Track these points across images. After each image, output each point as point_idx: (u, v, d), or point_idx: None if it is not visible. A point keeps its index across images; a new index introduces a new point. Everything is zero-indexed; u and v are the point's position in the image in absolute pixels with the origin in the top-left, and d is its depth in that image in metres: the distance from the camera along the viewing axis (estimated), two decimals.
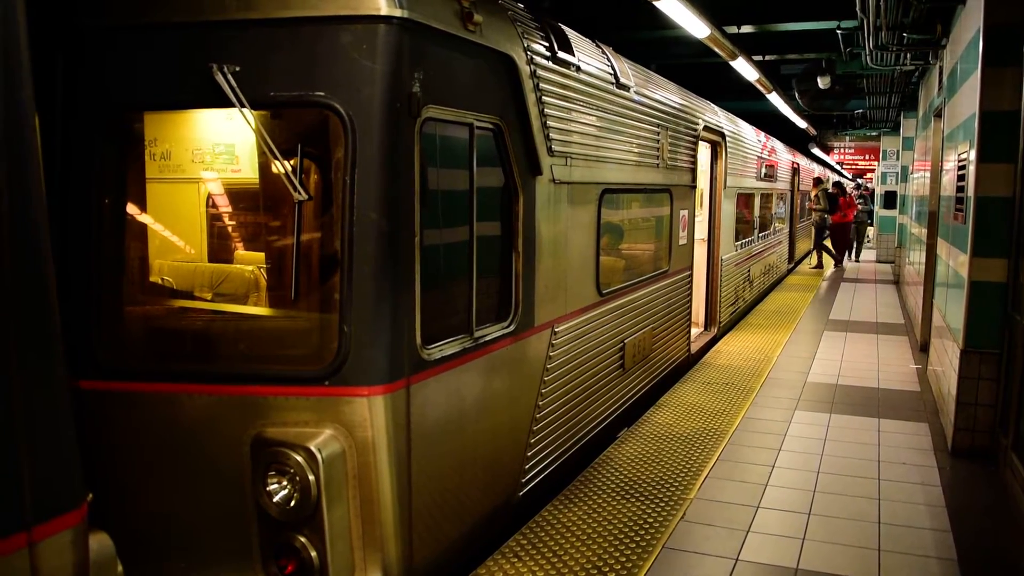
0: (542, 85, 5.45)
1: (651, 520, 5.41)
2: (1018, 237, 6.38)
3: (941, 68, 10.17)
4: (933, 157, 10.91)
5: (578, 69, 6.07)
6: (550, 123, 5.58)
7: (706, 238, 11.39)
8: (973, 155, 6.79)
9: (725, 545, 5.13)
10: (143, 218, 4.90)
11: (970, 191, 6.85)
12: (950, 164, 8.60)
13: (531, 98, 5.29)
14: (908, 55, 10.89)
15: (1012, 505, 5.88)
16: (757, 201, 14.72)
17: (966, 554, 5.09)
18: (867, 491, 6.04)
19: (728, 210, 11.86)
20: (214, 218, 5.61)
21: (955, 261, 7.67)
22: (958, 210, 7.67)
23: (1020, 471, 5.87)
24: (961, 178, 7.50)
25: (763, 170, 14.87)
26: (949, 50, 9.32)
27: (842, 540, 5.24)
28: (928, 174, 11.55)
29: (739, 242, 13.07)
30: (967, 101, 7.35)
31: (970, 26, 7.34)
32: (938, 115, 10.47)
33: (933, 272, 10.21)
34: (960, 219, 7.39)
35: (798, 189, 21.39)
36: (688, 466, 6.42)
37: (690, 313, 9.99)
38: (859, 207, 24.05)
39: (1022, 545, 5.31)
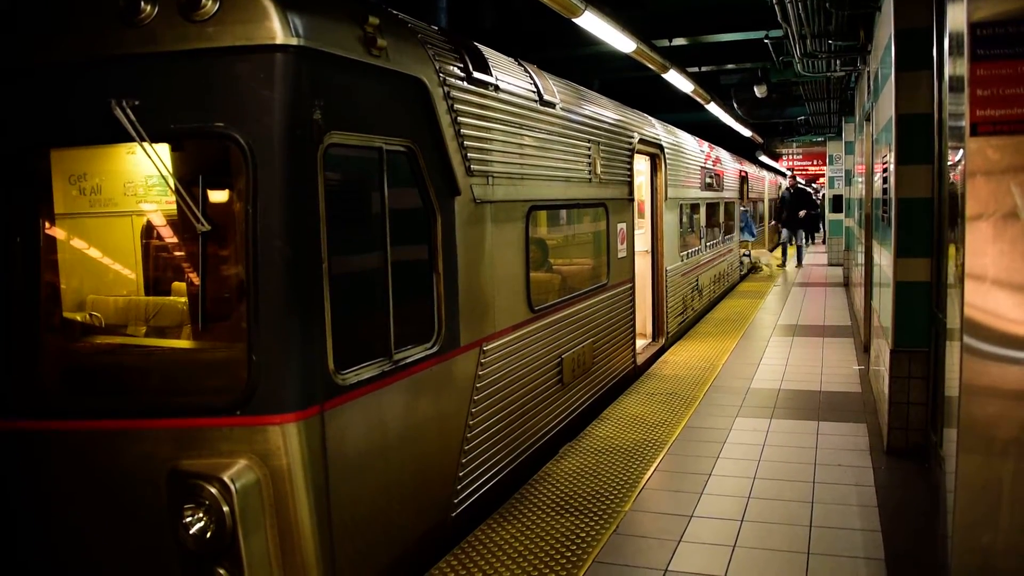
0: (457, 106, 5.47)
1: (583, 535, 5.42)
2: (939, 237, 6.48)
3: (869, 73, 10.35)
4: (866, 160, 11.07)
5: (496, 88, 6.10)
6: (468, 143, 5.60)
7: (649, 250, 11.45)
8: (892, 157, 6.90)
9: (656, 556, 5.14)
10: (59, 253, 4.88)
11: (892, 192, 6.96)
12: (878, 167, 8.74)
13: (445, 119, 5.31)
14: (837, 61, 11.09)
15: (941, 503, 5.94)
16: (703, 211, 14.83)
17: (894, 553, 5.14)
18: (801, 495, 6.09)
19: (670, 221, 11.93)
20: (146, 250, 5.60)
21: (884, 262, 7.77)
22: (884, 212, 7.80)
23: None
24: (886, 180, 7.62)
25: (707, 180, 14.98)
26: (873, 55, 9.49)
27: (773, 545, 5.27)
28: (863, 177, 11.72)
29: (685, 252, 13.14)
30: (887, 104, 7.48)
31: (886, 31, 7.48)
32: (869, 119, 10.63)
33: (871, 273, 10.34)
34: (887, 220, 7.50)
35: (747, 197, 21.57)
36: (625, 478, 6.43)
37: (634, 325, 10.03)
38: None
39: (947, 543, 5.37)
